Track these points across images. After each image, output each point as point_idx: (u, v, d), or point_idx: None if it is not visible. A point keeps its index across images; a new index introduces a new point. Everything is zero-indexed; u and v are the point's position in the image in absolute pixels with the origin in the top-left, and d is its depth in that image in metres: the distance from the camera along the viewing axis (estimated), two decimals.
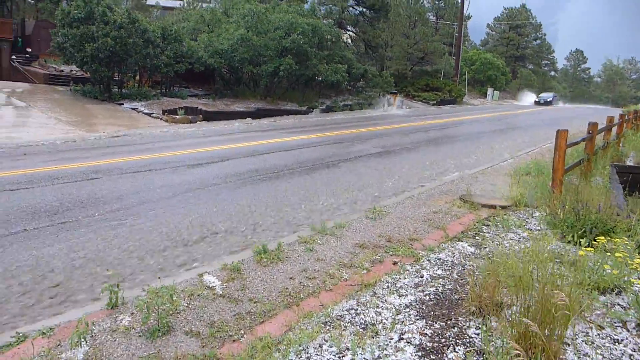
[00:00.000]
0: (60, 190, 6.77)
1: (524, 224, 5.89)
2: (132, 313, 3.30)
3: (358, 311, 3.41)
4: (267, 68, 21.44)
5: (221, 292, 3.69)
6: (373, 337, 3.01)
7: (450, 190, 7.70)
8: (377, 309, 3.44)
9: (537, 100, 48.89)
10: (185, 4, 32.12)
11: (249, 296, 3.66)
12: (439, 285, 3.91)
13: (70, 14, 17.29)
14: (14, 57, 25.20)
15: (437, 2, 46.99)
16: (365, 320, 3.26)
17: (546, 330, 2.48)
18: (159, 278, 3.81)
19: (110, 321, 3.20)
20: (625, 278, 3.61)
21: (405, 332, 3.09)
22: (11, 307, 3.55)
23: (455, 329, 3.12)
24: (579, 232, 4.99)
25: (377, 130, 16.78)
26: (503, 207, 6.62)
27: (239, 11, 23.00)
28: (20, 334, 3.04)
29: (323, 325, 3.18)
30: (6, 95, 17.09)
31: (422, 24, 37.38)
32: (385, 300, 3.59)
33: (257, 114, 19.94)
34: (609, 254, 3.82)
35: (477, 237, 5.33)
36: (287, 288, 3.83)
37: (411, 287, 3.88)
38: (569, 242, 4.98)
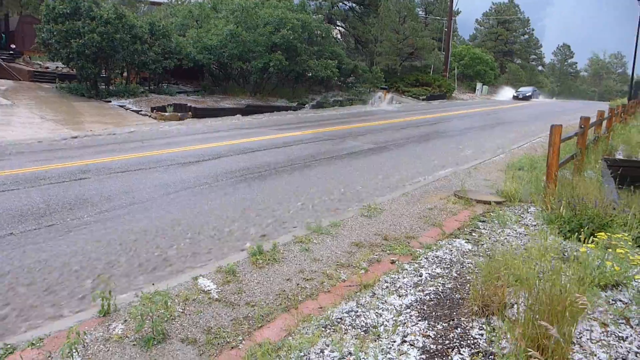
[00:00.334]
0: (47, 192, 6.60)
1: (519, 219, 5.86)
2: (126, 320, 3.18)
3: (358, 313, 3.33)
4: (257, 64, 21.24)
5: (217, 296, 3.59)
6: (375, 341, 2.94)
7: (444, 186, 7.65)
8: (378, 311, 3.36)
9: (515, 95, 46.40)
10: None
11: (246, 300, 3.56)
12: (439, 284, 3.85)
13: (56, 9, 16.92)
14: None
15: None
16: (366, 323, 3.18)
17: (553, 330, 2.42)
18: (153, 284, 3.69)
19: (103, 330, 3.08)
20: (628, 273, 3.58)
21: (408, 334, 3.02)
22: None
23: (459, 330, 3.06)
24: (576, 227, 4.97)
25: (368, 126, 16.72)
26: (498, 203, 6.59)
27: (228, 6, 22.73)
28: (9, 346, 2.90)
29: (323, 329, 3.10)
30: None
31: (412, 19, 37.35)
32: (385, 301, 3.52)
33: (247, 111, 19.75)
34: (610, 250, 3.79)
35: (473, 234, 5.28)
36: (284, 290, 3.74)
37: (411, 286, 3.81)
38: (566, 237, 4.96)
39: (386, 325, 3.14)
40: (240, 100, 21.66)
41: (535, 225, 5.61)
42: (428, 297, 3.60)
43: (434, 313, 3.33)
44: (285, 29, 21.42)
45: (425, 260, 4.42)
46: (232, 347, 2.94)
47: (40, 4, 20.21)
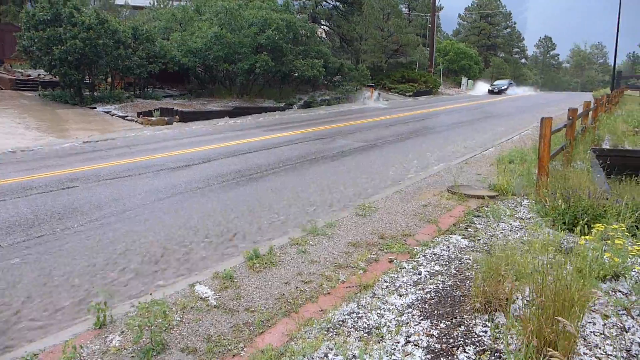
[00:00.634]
0: (35, 202, 6.46)
1: (513, 213, 5.87)
2: (123, 332, 3.10)
3: (360, 315, 3.29)
4: (243, 65, 21.10)
5: (215, 303, 3.52)
6: (379, 342, 2.90)
7: (437, 182, 7.66)
8: (379, 311, 3.33)
9: (490, 89, 44.18)
10: (155, 3, 31.35)
11: (245, 305, 3.50)
12: (439, 282, 3.83)
13: (36, 16, 16.62)
14: None
15: None
16: (368, 324, 3.14)
17: (560, 325, 2.40)
18: (151, 294, 3.60)
19: (100, 342, 3.00)
20: (626, 263, 3.59)
21: (412, 334, 2.98)
22: None
23: (462, 328, 3.03)
24: (571, 219, 4.99)
25: (357, 124, 16.70)
26: (491, 197, 6.60)
27: (211, 8, 22.54)
28: None
29: (326, 333, 3.05)
30: None
31: (396, 16, 37.47)
32: (386, 301, 3.48)
33: (234, 113, 19.62)
34: (608, 241, 3.80)
35: (469, 229, 5.27)
36: (283, 294, 3.68)
37: (410, 285, 3.78)
38: (561, 229, 4.97)
39: (389, 326, 3.11)
40: (227, 102, 21.50)
41: (529, 218, 5.62)
42: (429, 296, 3.57)
43: (436, 311, 3.30)
44: (270, 29, 21.32)
45: (423, 257, 4.40)
46: (233, 355, 2.88)
47: (20, 11, 19.87)
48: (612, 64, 45.46)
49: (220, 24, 21.19)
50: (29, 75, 21.80)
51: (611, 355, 2.69)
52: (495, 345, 2.77)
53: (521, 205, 6.22)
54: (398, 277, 3.95)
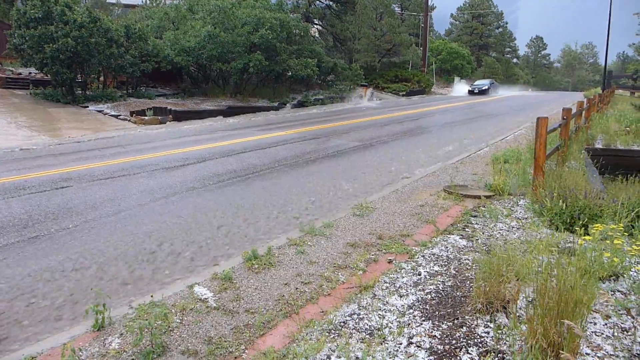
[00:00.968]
0: (28, 202, 6.38)
1: (510, 212, 5.88)
2: (122, 334, 3.07)
3: (361, 316, 3.28)
4: (237, 65, 21.03)
5: (215, 304, 3.49)
6: (381, 344, 2.89)
7: (433, 182, 7.66)
8: (380, 312, 3.32)
9: (470, 89, 40.75)
10: (148, 1, 31.12)
11: (245, 307, 3.47)
12: (439, 282, 3.82)
13: (27, 14, 16.44)
14: None
15: None
16: (370, 326, 3.13)
17: (565, 326, 2.40)
18: (152, 295, 3.56)
19: (99, 345, 2.96)
20: (626, 263, 3.61)
21: (414, 335, 2.98)
22: None
23: (464, 329, 3.03)
24: (568, 219, 5.02)
25: (351, 123, 16.69)
26: (488, 197, 6.62)
27: (204, 7, 22.43)
28: None
29: (327, 334, 3.03)
30: None
31: (389, 15, 37.53)
32: (387, 302, 3.47)
33: (228, 112, 19.54)
34: (607, 241, 3.81)
35: (467, 229, 5.28)
36: (283, 295, 3.66)
37: (411, 286, 3.77)
38: (558, 229, 5.00)
39: (391, 327, 3.09)
40: (220, 101, 21.41)
41: (526, 218, 5.64)
42: (429, 296, 3.57)
43: (437, 312, 3.30)
44: (263, 28, 21.26)
45: (422, 258, 4.39)
46: (235, 357, 2.85)
47: (10, 8, 19.64)
48: (603, 64, 45.84)
49: (213, 23, 21.09)
50: (20, 74, 21.56)
51: (613, 355, 2.70)
52: (498, 346, 2.77)
53: (517, 205, 6.24)
54: (398, 277, 3.94)
